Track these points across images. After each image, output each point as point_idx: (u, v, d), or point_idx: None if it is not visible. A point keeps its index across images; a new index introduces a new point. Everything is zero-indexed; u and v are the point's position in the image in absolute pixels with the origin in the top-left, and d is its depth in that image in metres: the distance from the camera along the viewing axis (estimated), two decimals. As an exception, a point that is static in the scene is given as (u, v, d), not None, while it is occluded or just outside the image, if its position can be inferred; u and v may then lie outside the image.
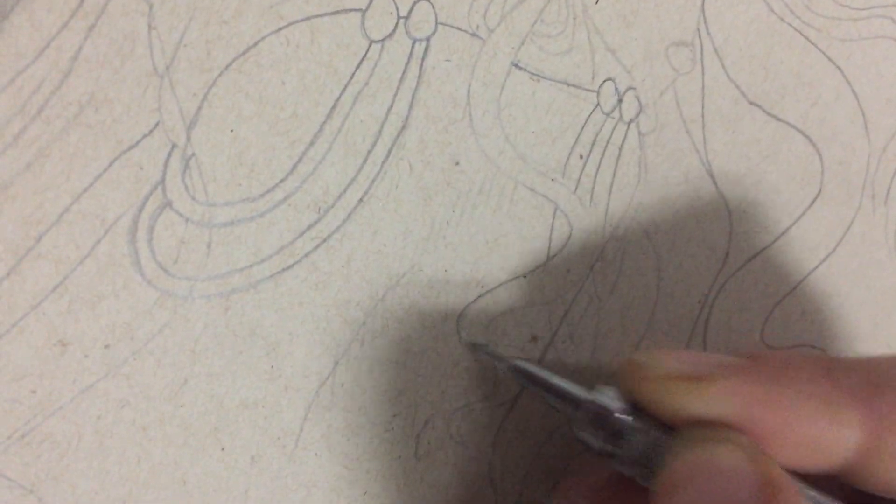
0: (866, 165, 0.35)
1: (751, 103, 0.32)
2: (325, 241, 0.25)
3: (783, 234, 0.34)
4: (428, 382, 0.28)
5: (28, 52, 0.21)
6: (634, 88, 0.29)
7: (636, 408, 0.24)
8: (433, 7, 0.25)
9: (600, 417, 0.24)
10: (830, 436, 0.23)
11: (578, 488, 0.27)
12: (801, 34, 0.32)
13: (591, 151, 0.29)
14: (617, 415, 0.24)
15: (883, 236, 0.36)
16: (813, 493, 0.23)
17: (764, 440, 0.23)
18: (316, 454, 0.26)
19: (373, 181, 0.26)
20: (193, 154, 0.23)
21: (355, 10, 0.24)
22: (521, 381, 0.27)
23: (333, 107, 0.25)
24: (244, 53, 0.23)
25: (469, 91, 0.26)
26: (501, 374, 0.29)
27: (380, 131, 0.25)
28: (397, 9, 0.25)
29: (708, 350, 0.33)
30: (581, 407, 0.25)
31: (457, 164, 0.27)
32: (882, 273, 0.37)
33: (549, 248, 0.29)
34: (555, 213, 0.29)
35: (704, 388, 0.23)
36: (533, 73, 0.27)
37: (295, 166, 0.24)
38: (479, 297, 0.28)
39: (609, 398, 0.24)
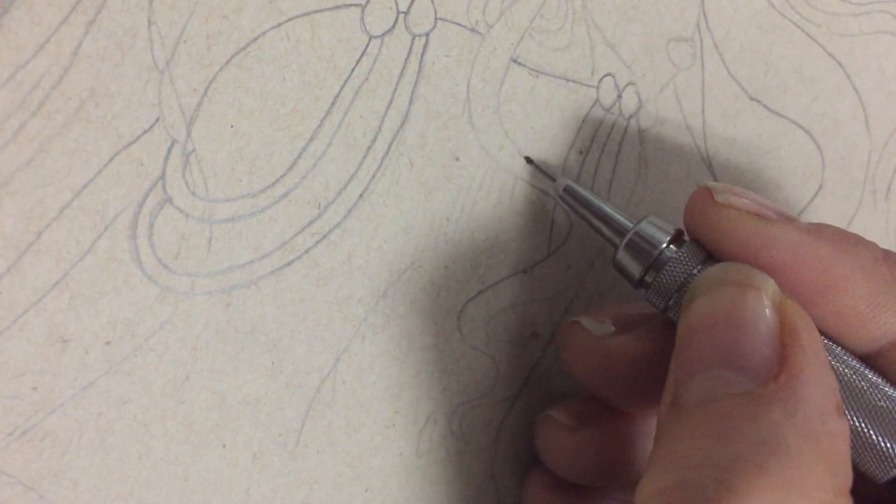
0: (867, 160, 0.35)
1: (751, 99, 0.32)
2: (325, 237, 0.25)
3: (784, 230, 0.34)
4: (429, 379, 0.28)
5: (28, 46, 0.21)
6: (634, 84, 0.29)
7: (677, 242, 0.25)
8: (432, 3, 0.25)
9: (644, 247, 0.25)
10: (875, 315, 0.23)
11: (606, 311, 0.27)
12: (802, 29, 0.32)
13: (590, 147, 0.29)
14: (662, 245, 0.24)
15: (884, 231, 0.36)
16: (839, 349, 0.23)
17: (810, 300, 0.23)
18: (317, 451, 0.26)
19: (373, 177, 0.26)
20: (194, 150, 0.23)
21: (355, 5, 0.24)
22: (570, 203, 0.27)
23: (333, 102, 0.25)
24: (244, 48, 0.23)
25: (469, 86, 0.26)
26: (551, 194, 0.28)
27: (380, 127, 0.25)
28: (397, 4, 0.25)
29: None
30: (627, 235, 0.25)
31: (457, 159, 0.27)
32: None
33: (550, 243, 0.29)
34: (555, 208, 0.29)
35: (769, 226, 0.23)
36: (532, 69, 0.27)
37: (295, 162, 0.24)
38: (480, 292, 0.28)
39: (654, 229, 0.25)
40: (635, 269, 0.25)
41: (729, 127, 0.32)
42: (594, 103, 0.29)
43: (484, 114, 0.27)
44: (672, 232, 0.25)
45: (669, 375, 0.22)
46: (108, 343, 0.23)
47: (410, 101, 0.26)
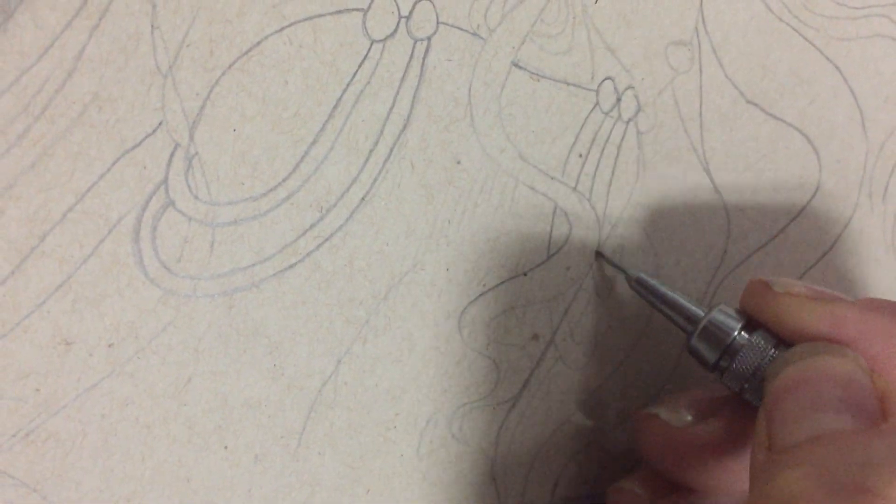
0: (864, 163, 0.35)
1: (749, 102, 0.32)
2: (327, 239, 0.25)
3: (781, 231, 0.34)
4: (430, 381, 0.28)
5: (32, 51, 0.21)
6: (633, 87, 0.29)
7: (749, 328, 0.26)
8: (434, 7, 0.25)
9: (717, 334, 0.26)
10: None
11: (681, 400, 0.29)
12: (799, 33, 0.33)
13: (590, 150, 0.29)
14: (734, 332, 0.26)
15: (880, 233, 0.37)
16: None
17: (878, 370, 0.24)
18: (319, 453, 0.26)
19: (375, 180, 0.26)
20: (196, 153, 0.23)
21: (357, 9, 0.24)
22: (642, 295, 0.29)
23: (335, 106, 0.25)
24: (247, 53, 0.23)
25: (470, 90, 0.27)
26: (623, 287, 0.30)
27: (382, 130, 0.25)
28: (399, 9, 0.25)
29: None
30: (700, 323, 0.27)
31: (458, 162, 0.27)
32: (879, 270, 0.37)
33: (549, 246, 0.29)
34: (555, 211, 0.29)
35: (829, 306, 0.24)
36: (533, 73, 0.27)
37: (297, 165, 0.24)
38: (481, 295, 0.28)
39: (727, 317, 0.26)
40: (710, 355, 0.26)
41: (727, 130, 0.32)
42: (594, 107, 0.29)
43: (485, 117, 0.27)
44: (743, 319, 0.26)
45: (759, 430, 0.23)
46: (111, 345, 0.23)
47: (412, 105, 0.26)
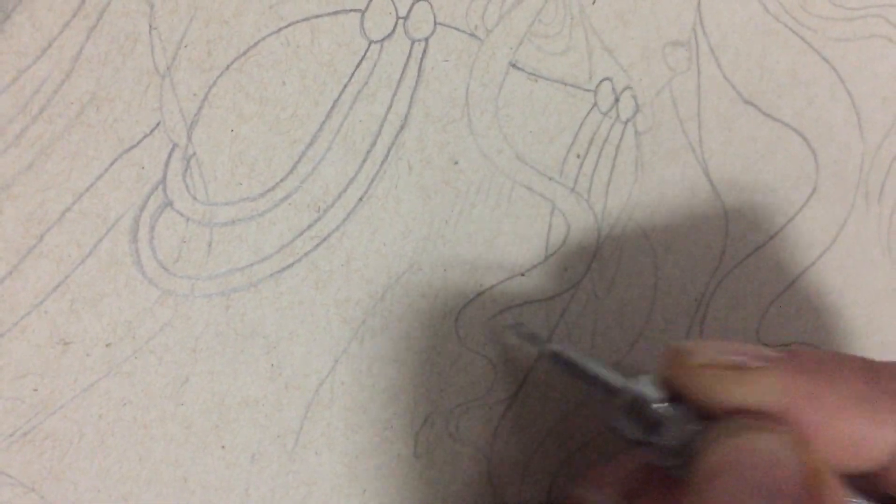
0: (860, 164, 0.35)
1: (746, 102, 0.32)
2: (324, 240, 0.25)
3: (778, 232, 0.34)
4: (427, 381, 0.28)
5: (30, 51, 0.21)
6: (631, 88, 0.29)
7: (673, 398, 0.24)
8: (432, 7, 0.25)
9: (637, 407, 0.24)
10: (870, 435, 0.23)
11: (608, 477, 0.27)
12: (797, 34, 0.33)
13: (588, 151, 0.29)
14: (654, 405, 0.24)
15: (876, 234, 0.37)
16: (848, 490, 0.23)
17: (804, 435, 0.23)
18: (316, 452, 0.26)
19: (372, 180, 0.26)
20: (194, 153, 0.23)
21: (355, 10, 0.24)
22: (557, 366, 0.27)
23: (333, 106, 0.25)
24: (245, 53, 0.23)
25: (467, 91, 0.27)
26: (530, 359, 0.28)
27: (379, 131, 0.26)
28: (396, 9, 0.25)
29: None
30: (618, 395, 0.25)
31: (455, 163, 0.27)
32: (876, 271, 0.37)
33: (547, 246, 0.29)
34: (552, 211, 0.29)
35: (748, 377, 0.23)
36: (531, 73, 0.27)
37: (295, 166, 0.25)
38: (478, 295, 0.28)
39: (646, 387, 0.24)
40: (633, 431, 0.24)
41: (724, 130, 0.32)
42: (592, 107, 0.29)
43: (483, 118, 0.27)
44: (668, 389, 0.24)
45: None
46: (108, 345, 0.23)
47: (409, 106, 0.26)
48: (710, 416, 0.24)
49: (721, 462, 0.22)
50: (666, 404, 0.24)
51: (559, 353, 0.27)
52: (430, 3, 0.25)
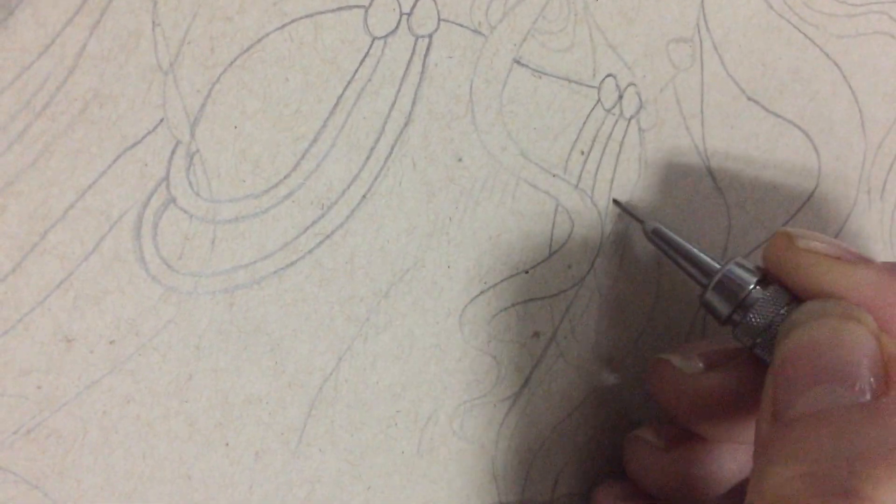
0: (862, 160, 0.35)
1: (749, 99, 0.32)
2: (328, 237, 0.25)
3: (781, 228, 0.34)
4: (431, 378, 0.28)
5: (33, 48, 0.21)
6: (635, 85, 0.29)
7: (765, 282, 0.26)
8: (436, 4, 0.25)
9: (730, 287, 0.26)
10: None
11: (694, 348, 0.29)
12: (799, 30, 0.33)
13: (592, 147, 0.29)
14: (750, 286, 0.26)
15: (878, 230, 0.37)
16: None
17: (885, 327, 0.24)
18: (319, 450, 0.26)
19: (376, 178, 0.26)
20: (197, 150, 0.23)
21: (358, 6, 0.24)
22: (658, 246, 0.28)
23: (337, 103, 0.25)
24: (248, 50, 0.23)
25: (471, 88, 0.26)
26: (637, 236, 0.30)
27: (383, 128, 0.25)
28: (400, 6, 0.25)
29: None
30: (713, 275, 0.27)
31: (459, 160, 0.27)
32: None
33: (551, 243, 0.29)
34: (556, 208, 0.29)
35: (847, 267, 0.24)
36: (535, 70, 0.27)
37: (298, 163, 0.24)
38: (482, 292, 0.28)
39: (741, 269, 0.26)
40: (724, 308, 0.26)
41: (727, 127, 0.32)
42: (596, 104, 0.29)
43: (487, 115, 0.27)
44: (758, 274, 0.26)
45: (766, 395, 0.23)
46: (112, 342, 0.23)
47: (413, 103, 0.26)
48: (798, 301, 0.25)
49: (803, 344, 0.23)
50: (758, 287, 0.26)
51: (660, 231, 0.28)
52: (433, 0, 0.25)
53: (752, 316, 0.25)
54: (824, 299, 0.24)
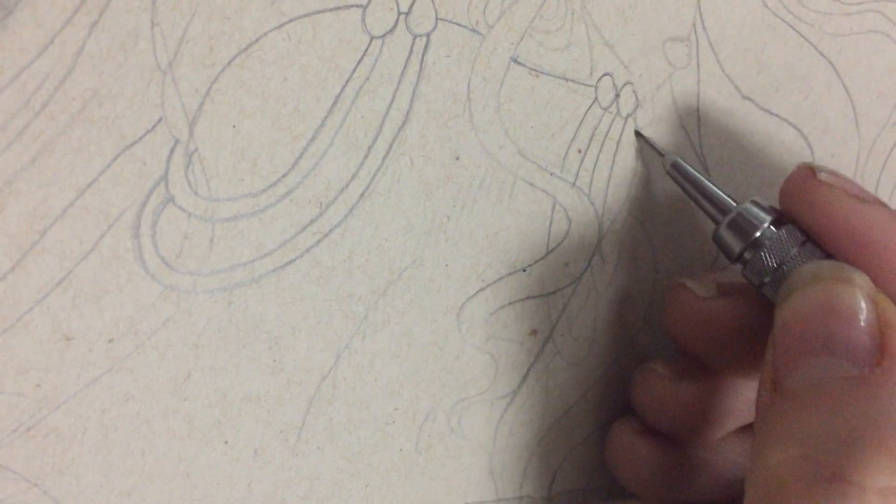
0: (856, 158, 0.36)
1: (744, 97, 0.32)
2: (326, 235, 0.25)
3: (775, 226, 0.34)
4: (429, 376, 0.28)
5: (32, 47, 0.21)
6: (632, 83, 0.29)
7: (778, 223, 0.26)
8: (433, 3, 0.25)
9: (743, 225, 0.26)
10: None
11: (708, 276, 0.29)
12: (794, 29, 0.33)
13: (589, 146, 0.29)
14: (764, 224, 0.26)
15: (873, 229, 0.37)
16: None
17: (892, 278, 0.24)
18: (318, 447, 0.27)
19: (374, 176, 0.26)
20: (196, 149, 0.23)
21: (356, 6, 0.24)
22: (677, 180, 0.28)
23: (335, 102, 0.25)
24: (246, 49, 0.23)
25: (469, 86, 0.27)
26: (659, 167, 0.30)
27: (381, 127, 0.26)
28: (398, 5, 0.25)
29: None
30: (728, 213, 0.27)
31: (457, 158, 0.27)
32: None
33: (548, 241, 0.29)
34: (553, 207, 0.29)
35: (863, 206, 0.25)
36: (532, 69, 0.28)
37: (297, 162, 0.25)
38: (480, 290, 0.28)
39: (758, 209, 0.27)
40: (735, 245, 0.26)
41: (723, 125, 0.32)
42: (593, 102, 0.29)
43: (484, 113, 0.27)
44: (773, 214, 0.26)
45: (766, 362, 0.23)
46: (111, 341, 0.23)
47: (411, 101, 0.26)
48: (809, 244, 0.25)
49: (799, 311, 0.23)
50: (771, 227, 0.26)
51: (680, 165, 0.28)
52: (431, -1, 0.25)
53: (762, 254, 0.26)
54: (821, 261, 0.25)
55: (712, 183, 0.28)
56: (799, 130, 0.34)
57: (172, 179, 0.23)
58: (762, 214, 0.26)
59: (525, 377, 0.30)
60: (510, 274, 0.29)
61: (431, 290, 0.27)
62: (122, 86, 0.22)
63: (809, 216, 0.26)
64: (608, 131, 0.29)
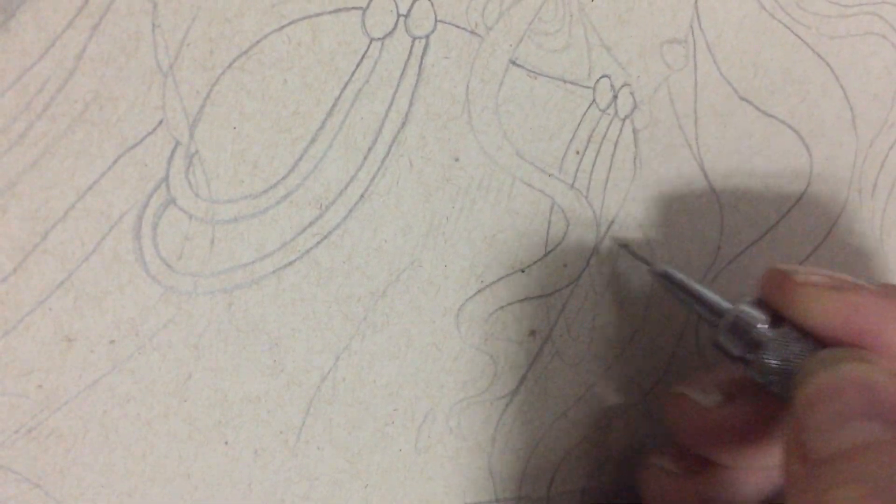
0: (853, 160, 0.36)
1: (742, 99, 0.32)
2: (326, 237, 0.25)
3: (773, 227, 0.34)
4: (428, 377, 0.28)
5: (33, 50, 0.21)
6: (629, 85, 0.30)
7: (774, 321, 0.26)
8: (432, 5, 0.26)
9: (741, 327, 0.27)
10: None
11: (709, 379, 0.29)
12: (792, 31, 0.33)
13: (587, 147, 0.29)
14: (759, 325, 0.26)
15: (870, 229, 0.37)
16: None
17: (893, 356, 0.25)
18: (318, 448, 0.27)
19: (373, 178, 0.26)
20: (197, 151, 0.23)
21: (356, 8, 0.25)
22: (668, 287, 0.29)
23: (334, 104, 0.25)
24: (247, 52, 0.23)
25: (468, 88, 0.27)
26: (646, 277, 0.31)
27: (380, 128, 0.26)
28: (397, 7, 0.25)
29: (703, 356, 0.34)
30: (724, 316, 0.27)
31: (456, 160, 0.27)
32: (869, 265, 0.37)
33: (547, 242, 0.29)
34: (552, 208, 0.29)
35: (847, 295, 0.25)
36: (530, 70, 0.28)
37: (296, 163, 0.25)
38: (478, 291, 0.28)
39: (751, 309, 0.27)
40: (736, 349, 0.27)
41: (720, 127, 0.32)
42: (591, 104, 0.29)
43: (483, 115, 0.27)
44: (768, 313, 0.27)
45: (790, 439, 0.24)
46: (112, 342, 0.23)
47: (410, 103, 0.26)
48: (809, 338, 0.26)
49: (823, 388, 0.23)
50: (768, 326, 0.26)
51: (669, 274, 0.29)
52: (430, 1, 0.26)
53: (765, 355, 0.26)
54: (835, 348, 0.25)
55: (703, 287, 0.28)
56: (796, 132, 0.34)
57: (173, 181, 0.23)
58: (758, 314, 0.27)
59: (524, 378, 0.30)
60: (509, 275, 0.29)
61: (430, 291, 0.27)
62: (124, 88, 0.22)
63: (802, 318, 0.26)
64: (606, 132, 0.29)
